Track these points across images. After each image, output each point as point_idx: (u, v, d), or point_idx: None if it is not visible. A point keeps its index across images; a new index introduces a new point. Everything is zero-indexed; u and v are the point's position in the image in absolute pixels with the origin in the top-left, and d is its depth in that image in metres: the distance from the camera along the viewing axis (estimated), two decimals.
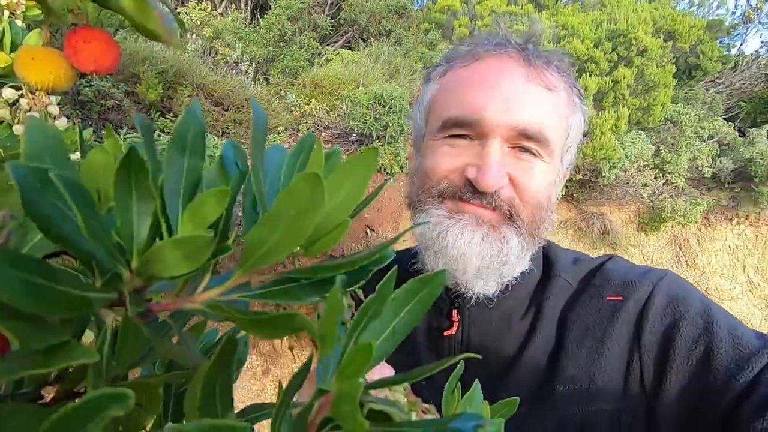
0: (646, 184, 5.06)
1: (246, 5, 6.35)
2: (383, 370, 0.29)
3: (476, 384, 0.29)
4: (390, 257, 0.25)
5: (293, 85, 4.41)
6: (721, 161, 5.36)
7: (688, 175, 5.29)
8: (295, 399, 0.22)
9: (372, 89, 3.67)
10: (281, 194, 0.19)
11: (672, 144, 5.31)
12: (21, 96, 0.54)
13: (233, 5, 6.22)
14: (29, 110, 0.55)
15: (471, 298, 0.56)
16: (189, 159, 0.22)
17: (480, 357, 0.27)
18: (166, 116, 3.33)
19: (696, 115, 5.51)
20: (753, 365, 0.44)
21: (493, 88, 0.53)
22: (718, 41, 6.68)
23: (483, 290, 0.55)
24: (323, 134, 3.90)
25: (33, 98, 0.55)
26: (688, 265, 5.39)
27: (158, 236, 0.20)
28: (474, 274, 0.53)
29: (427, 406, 0.24)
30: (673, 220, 5.05)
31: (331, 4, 6.70)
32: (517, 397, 0.29)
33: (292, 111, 3.96)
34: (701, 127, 5.48)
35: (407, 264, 0.63)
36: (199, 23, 5.08)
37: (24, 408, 0.18)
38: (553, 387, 0.52)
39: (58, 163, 0.18)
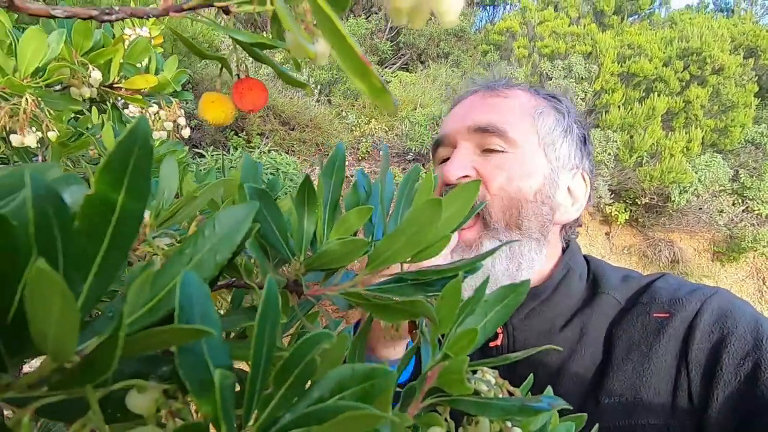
0: (722, 211, 4.68)
1: None
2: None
3: (548, 388, 0.34)
4: (480, 268, 0.31)
5: (353, 106, 4.62)
6: None
7: None
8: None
9: (430, 110, 3.76)
10: (409, 214, 0.25)
11: (754, 168, 4.90)
12: (160, 109, 0.68)
13: None
14: (166, 120, 0.69)
15: None
16: (334, 180, 0.29)
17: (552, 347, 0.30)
18: (239, 135, 3.62)
19: None
20: None
21: (458, 113, 0.66)
22: None
23: None
24: (381, 153, 4.03)
25: (169, 111, 0.69)
26: None
27: (316, 239, 0.28)
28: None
29: (514, 389, 0.29)
30: (755, 250, 4.61)
31: (391, 28, 6.96)
32: (585, 414, 0.31)
33: (352, 131, 4.14)
34: None
35: None
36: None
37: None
38: (597, 399, 0.53)
39: (257, 183, 0.26)
